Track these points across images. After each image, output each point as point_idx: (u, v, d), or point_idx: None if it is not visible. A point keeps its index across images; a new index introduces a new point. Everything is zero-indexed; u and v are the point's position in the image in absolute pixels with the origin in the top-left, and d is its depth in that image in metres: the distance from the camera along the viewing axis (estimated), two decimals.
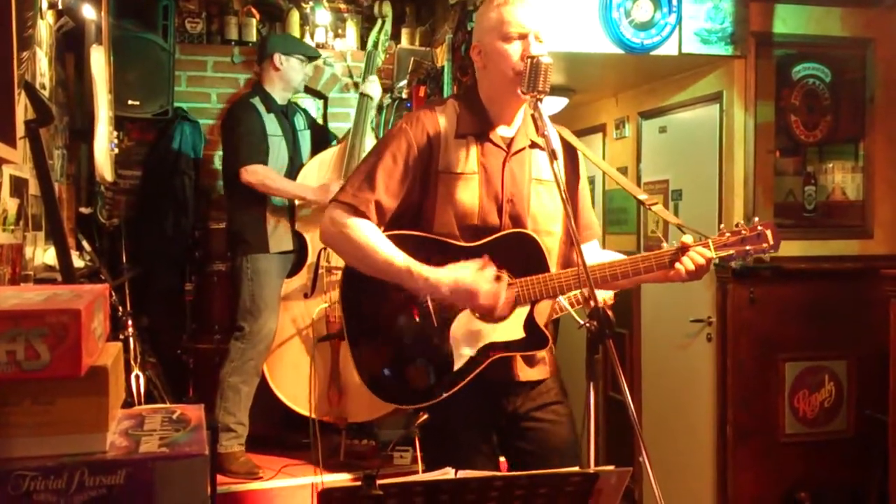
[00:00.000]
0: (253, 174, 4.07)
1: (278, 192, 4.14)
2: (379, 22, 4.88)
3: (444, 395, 2.19)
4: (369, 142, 4.36)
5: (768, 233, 2.25)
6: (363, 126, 4.38)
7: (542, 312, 2.27)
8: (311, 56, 4.49)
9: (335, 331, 4.08)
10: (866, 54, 4.02)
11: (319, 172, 4.27)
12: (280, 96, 4.35)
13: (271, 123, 4.25)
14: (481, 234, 2.20)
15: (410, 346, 2.22)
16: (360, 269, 2.20)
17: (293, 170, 4.29)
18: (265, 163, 4.14)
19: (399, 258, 2.13)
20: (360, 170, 2.26)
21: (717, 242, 2.25)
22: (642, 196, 2.45)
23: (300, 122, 4.50)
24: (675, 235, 2.29)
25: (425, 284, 2.11)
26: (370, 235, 2.16)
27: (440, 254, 2.17)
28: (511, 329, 2.20)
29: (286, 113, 4.38)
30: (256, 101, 4.26)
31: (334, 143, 4.62)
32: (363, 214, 2.17)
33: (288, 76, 4.33)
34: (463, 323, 2.20)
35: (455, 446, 2.23)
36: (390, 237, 2.18)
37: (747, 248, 2.25)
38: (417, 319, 2.19)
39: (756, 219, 2.30)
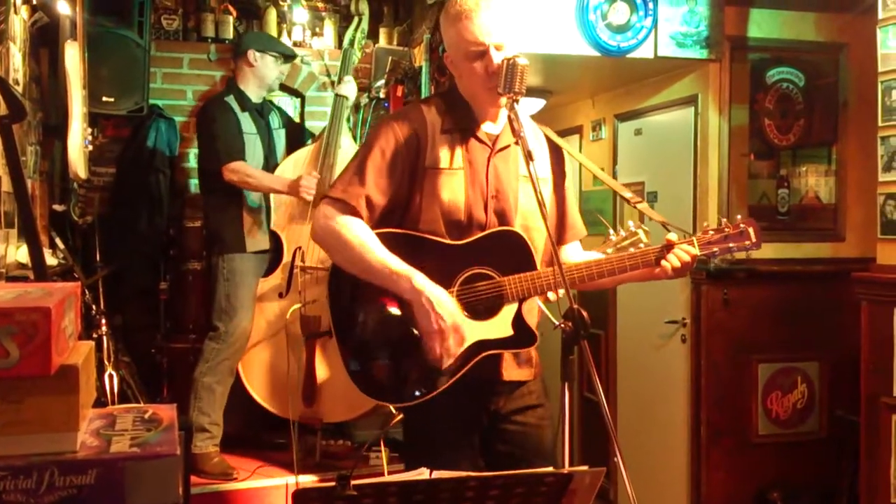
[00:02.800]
0: (235, 172, 4.05)
1: (258, 187, 4.13)
2: (355, 20, 4.87)
3: (433, 392, 2.18)
4: (345, 140, 4.35)
5: (751, 230, 2.28)
6: (338, 125, 4.37)
7: (531, 311, 2.27)
8: (286, 55, 4.46)
9: (312, 330, 4.07)
10: (840, 59, 4.06)
11: (294, 171, 4.25)
12: (254, 94, 4.32)
13: (246, 122, 4.22)
14: (468, 230, 2.21)
15: (399, 343, 2.20)
16: (349, 269, 2.19)
17: (268, 169, 4.26)
18: (243, 160, 4.12)
19: (396, 262, 2.11)
20: (349, 166, 2.26)
21: (701, 240, 2.27)
22: (627, 194, 2.47)
23: (275, 120, 4.47)
24: (656, 234, 2.30)
25: (421, 293, 2.08)
26: (362, 235, 2.15)
27: (427, 252, 2.17)
28: (499, 327, 2.20)
29: (261, 111, 4.35)
30: (231, 99, 4.24)
31: (309, 141, 4.61)
32: (354, 210, 2.17)
33: (261, 73, 4.30)
34: None
35: (436, 446, 2.23)
36: (378, 235, 2.18)
37: (730, 245, 2.28)
38: (406, 316, 2.18)
39: (739, 216, 2.32)
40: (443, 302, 2.09)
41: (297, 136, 4.69)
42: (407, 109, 2.29)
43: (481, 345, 2.19)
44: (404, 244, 2.17)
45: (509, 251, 2.20)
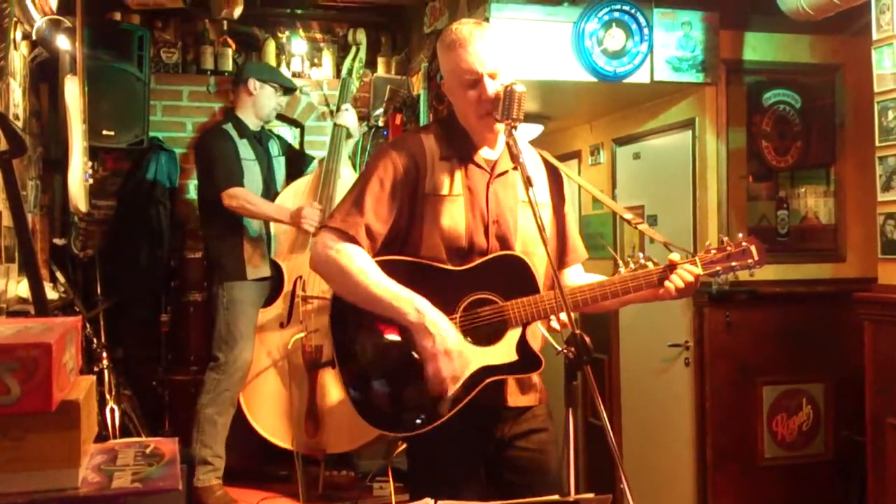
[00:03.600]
0: (234, 198, 4.06)
1: (258, 214, 4.13)
2: (353, 49, 4.91)
3: (437, 421, 2.16)
4: (345, 170, 4.37)
5: (753, 249, 2.27)
6: (337, 154, 4.39)
7: (535, 335, 2.26)
8: (285, 87, 4.49)
9: (315, 360, 4.06)
10: (835, 80, 4.08)
11: (295, 200, 4.27)
12: (252, 123, 4.35)
13: (244, 148, 4.24)
14: (469, 256, 2.20)
15: (403, 371, 2.18)
16: (349, 298, 2.17)
17: (268, 196, 4.28)
18: (242, 185, 4.13)
19: (397, 289, 2.10)
20: (348, 195, 2.25)
21: (703, 259, 2.26)
22: (628, 216, 2.47)
23: (274, 148, 4.50)
24: (657, 256, 2.30)
25: (424, 317, 2.07)
26: (362, 263, 2.13)
27: (429, 278, 2.16)
28: (504, 352, 2.18)
29: (259, 139, 4.38)
30: (229, 126, 4.27)
31: (313, 165, 4.63)
32: (353, 239, 2.15)
33: (260, 102, 4.34)
34: None
35: (442, 474, 2.22)
36: (378, 262, 2.17)
37: (733, 263, 2.26)
38: (408, 344, 2.17)
39: (741, 235, 2.31)
40: (444, 327, 2.08)
41: (299, 161, 4.72)
42: (405, 137, 2.29)
43: (486, 371, 2.18)
44: (406, 271, 2.16)
45: (512, 275, 2.19)
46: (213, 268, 4.27)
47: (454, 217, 2.20)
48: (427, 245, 2.20)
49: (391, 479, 3.91)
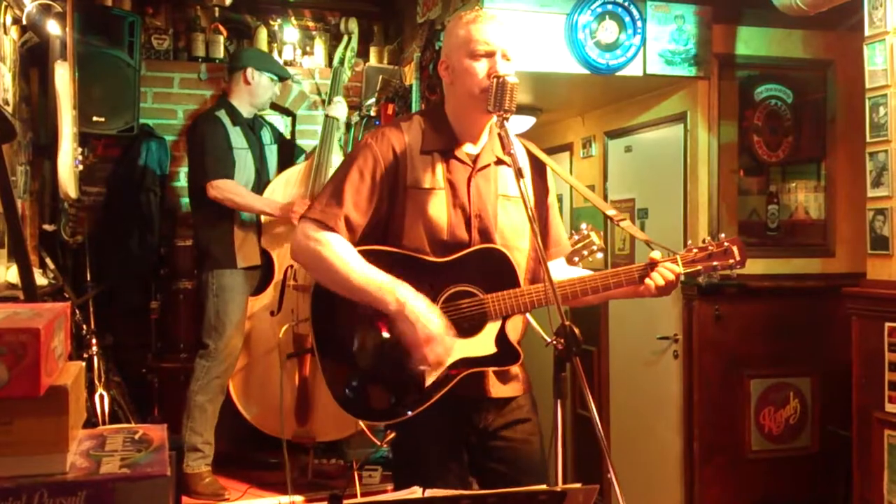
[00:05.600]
0: (218, 189, 4.04)
1: (245, 207, 4.12)
2: (345, 38, 4.90)
3: (416, 410, 2.17)
4: (336, 159, 4.36)
5: (735, 248, 2.28)
6: (329, 144, 4.38)
7: (515, 328, 2.26)
8: (281, 76, 4.48)
9: (305, 348, 4.06)
10: (827, 76, 4.09)
11: (286, 189, 4.25)
12: (246, 110, 4.33)
13: (237, 136, 4.22)
14: (451, 250, 2.20)
15: (381, 362, 2.20)
16: (331, 287, 2.17)
17: (260, 184, 4.27)
18: (231, 177, 4.11)
19: (379, 276, 2.10)
20: (327, 186, 2.25)
21: (684, 258, 2.27)
22: (611, 212, 2.46)
23: (267, 136, 4.48)
24: (640, 251, 2.31)
25: (404, 304, 2.07)
26: (343, 252, 2.13)
27: (410, 269, 2.16)
28: (483, 344, 2.19)
29: (252, 126, 4.36)
30: (222, 113, 4.24)
31: (302, 157, 4.61)
32: (332, 230, 2.15)
33: (256, 92, 4.31)
34: None
35: (425, 465, 2.22)
36: (360, 252, 2.17)
37: (714, 263, 2.28)
38: (388, 335, 2.17)
39: (723, 235, 2.33)
40: (426, 313, 2.08)
41: (290, 152, 4.70)
42: (386, 129, 2.27)
43: (464, 362, 2.18)
44: (386, 261, 2.16)
45: (492, 268, 2.20)
46: (202, 255, 4.26)
47: (436, 210, 2.20)
48: (409, 236, 2.20)
49: (355, 473, 3.91)
